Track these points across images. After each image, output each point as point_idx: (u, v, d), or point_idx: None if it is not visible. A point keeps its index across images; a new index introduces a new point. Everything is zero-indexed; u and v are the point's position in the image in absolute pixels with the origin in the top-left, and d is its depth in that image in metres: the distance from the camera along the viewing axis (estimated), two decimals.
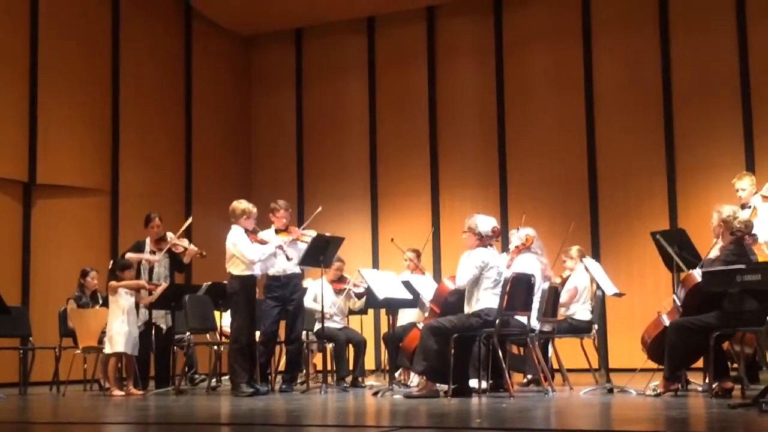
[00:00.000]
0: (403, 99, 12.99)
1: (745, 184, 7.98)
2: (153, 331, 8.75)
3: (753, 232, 6.78)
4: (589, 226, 11.59)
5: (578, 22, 12.06)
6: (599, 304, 8.34)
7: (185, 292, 8.68)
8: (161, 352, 8.87)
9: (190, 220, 9.43)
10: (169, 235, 8.97)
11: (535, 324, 7.45)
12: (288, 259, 8.01)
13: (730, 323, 6.34)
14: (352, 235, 11.04)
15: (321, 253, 7.95)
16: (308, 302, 8.74)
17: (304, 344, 8.86)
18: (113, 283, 8.24)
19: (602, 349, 8.29)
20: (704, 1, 11.52)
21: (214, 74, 13.32)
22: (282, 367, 8.64)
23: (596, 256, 11.01)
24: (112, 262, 8.86)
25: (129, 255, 8.75)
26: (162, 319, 8.87)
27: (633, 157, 11.63)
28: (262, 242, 7.93)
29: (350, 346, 9.01)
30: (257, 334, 8.15)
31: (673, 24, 11.59)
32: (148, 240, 9.01)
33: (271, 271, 8.09)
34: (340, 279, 9.21)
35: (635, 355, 7.95)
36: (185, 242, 9.07)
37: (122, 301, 8.21)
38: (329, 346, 8.83)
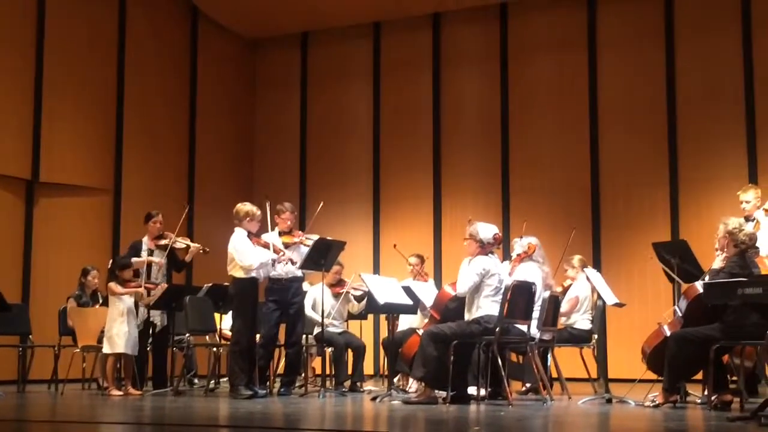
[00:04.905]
0: (407, 105, 12.99)
1: (749, 196, 8.01)
2: (151, 330, 8.73)
3: (756, 244, 6.78)
4: (591, 235, 11.57)
5: (583, 31, 12.05)
6: (600, 313, 8.33)
7: (186, 293, 8.67)
8: (157, 351, 8.81)
9: (187, 209, 9.20)
10: (169, 234, 8.92)
11: (534, 332, 7.44)
12: (292, 263, 8.01)
13: (731, 336, 6.33)
14: (354, 240, 11.02)
15: (322, 257, 7.94)
16: (307, 309, 8.76)
17: (304, 348, 8.85)
18: (112, 285, 8.21)
19: (601, 359, 8.27)
20: (709, 12, 11.52)
21: (219, 76, 13.34)
22: (281, 370, 8.64)
23: (597, 265, 11.00)
24: (111, 261, 8.83)
25: (135, 260, 8.66)
26: (158, 317, 8.73)
27: (636, 167, 11.62)
28: (265, 245, 7.92)
29: (349, 350, 9.01)
30: (257, 336, 8.14)
31: (678, 34, 11.58)
32: (145, 239, 8.90)
33: (273, 274, 8.09)
34: (339, 282, 9.21)
35: (634, 365, 7.94)
36: (187, 240, 9.06)
37: (122, 302, 8.19)
38: (328, 350, 8.83)
